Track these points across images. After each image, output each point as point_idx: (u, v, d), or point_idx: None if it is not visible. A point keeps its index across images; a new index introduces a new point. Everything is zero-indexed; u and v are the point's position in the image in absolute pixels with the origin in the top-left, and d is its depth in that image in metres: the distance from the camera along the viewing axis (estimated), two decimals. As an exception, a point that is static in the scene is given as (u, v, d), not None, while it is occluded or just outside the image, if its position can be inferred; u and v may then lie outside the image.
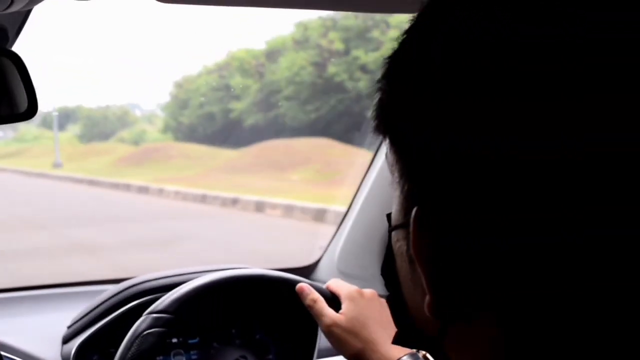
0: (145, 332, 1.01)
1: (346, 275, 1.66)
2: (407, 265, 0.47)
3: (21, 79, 0.78)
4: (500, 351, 0.41)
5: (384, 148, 1.50)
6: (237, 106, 12.85)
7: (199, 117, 14.45)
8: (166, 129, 16.03)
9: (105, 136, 18.05)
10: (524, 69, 0.38)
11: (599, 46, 0.37)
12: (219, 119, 13.76)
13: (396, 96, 0.46)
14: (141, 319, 1.04)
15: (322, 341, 1.37)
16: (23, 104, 0.79)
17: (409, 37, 0.46)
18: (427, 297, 0.44)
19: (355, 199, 1.62)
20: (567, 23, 0.38)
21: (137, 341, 1.00)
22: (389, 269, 0.51)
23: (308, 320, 1.37)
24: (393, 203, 0.49)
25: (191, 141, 14.74)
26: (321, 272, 1.74)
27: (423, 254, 0.43)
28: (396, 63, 0.46)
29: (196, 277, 1.14)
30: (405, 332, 0.52)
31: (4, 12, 0.68)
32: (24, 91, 0.78)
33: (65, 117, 18.80)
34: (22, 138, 18.63)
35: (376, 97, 0.48)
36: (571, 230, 0.37)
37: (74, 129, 19.03)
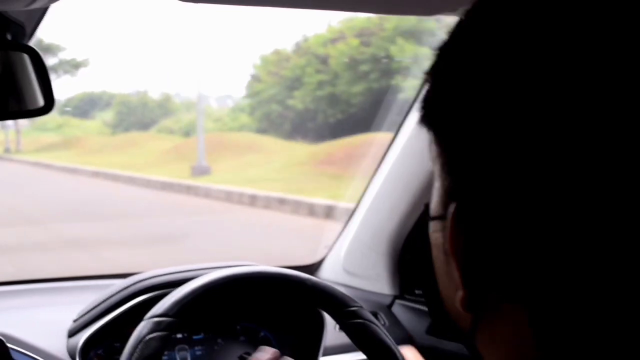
0: (147, 338, 1.00)
1: (352, 275, 1.66)
2: (443, 257, 0.48)
3: (38, 74, 0.78)
4: (530, 345, 0.42)
5: (394, 148, 1.50)
6: (408, 83, 7.54)
7: (318, 100, 10.45)
8: (262, 117, 12.19)
9: (143, 125, 15.83)
10: (541, 70, 0.39)
11: (600, 46, 0.38)
12: (360, 102, 9.60)
13: (443, 90, 0.46)
14: (142, 323, 1.03)
15: (328, 339, 1.38)
16: (40, 99, 0.79)
17: (459, 31, 0.47)
18: (460, 292, 0.45)
19: (363, 199, 1.63)
20: (572, 24, 0.39)
21: (139, 347, 0.99)
22: (425, 258, 0.52)
23: (314, 318, 1.38)
24: (433, 194, 0.50)
25: (301, 135, 10.67)
26: (326, 270, 1.74)
27: (458, 249, 0.44)
28: (445, 56, 0.47)
29: (202, 274, 1.14)
30: (439, 323, 0.53)
31: (26, 8, 0.68)
32: (41, 86, 0.78)
33: (90, 104, 16.85)
34: (43, 127, 16.56)
35: (424, 89, 0.48)
36: (601, 228, 0.38)
37: (102, 117, 16.96)
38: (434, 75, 0.47)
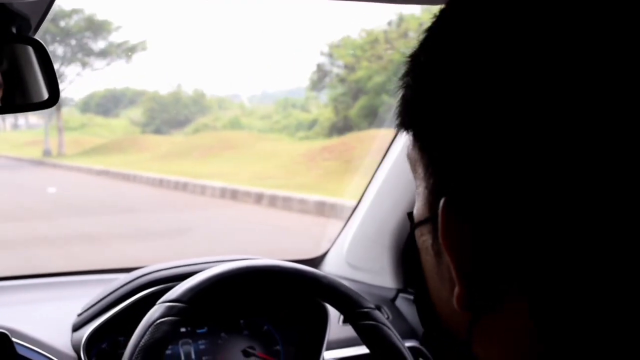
0: (158, 321, 1.01)
1: (355, 268, 1.66)
2: (433, 259, 0.48)
3: (43, 67, 0.78)
4: (532, 338, 0.42)
5: (398, 142, 1.50)
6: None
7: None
8: (362, 111, 9.81)
9: (178, 123, 14.24)
10: (528, 68, 0.40)
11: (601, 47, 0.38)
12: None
13: (421, 92, 0.46)
14: (155, 307, 1.04)
15: (331, 333, 1.38)
16: (45, 92, 0.79)
17: (433, 34, 0.47)
18: (456, 289, 0.44)
19: (366, 193, 1.63)
20: (568, 24, 0.39)
21: (150, 329, 1.00)
22: (414, 266, 0.52)
23: (317, 312, 1.38)
24: (416, 200, 0.50)
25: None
26: (329, 264, 1.74)
27: (452, 243, 0.44)
28: (421, 60, 0.47)
29: (208, 267, 1.14)
30: (432, 330, 0.52)
31: (29, 0, 0.68)
32: (46, 79, 0.79)
33: (113, 101, 15.35)
34: (65, 126, 14.34)
35: (399, 94, 0.49)
36: (591, 217, 0.38)
37: (127, 114, 15.35)
38: (412, 78, 0.47)
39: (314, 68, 12.20)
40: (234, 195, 7.73)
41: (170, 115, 14.33)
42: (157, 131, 14.11)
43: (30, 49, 0.78)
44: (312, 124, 11.81)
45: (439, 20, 0.47)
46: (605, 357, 0.39)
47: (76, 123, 14.73)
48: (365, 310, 1.11)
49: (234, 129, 12.96)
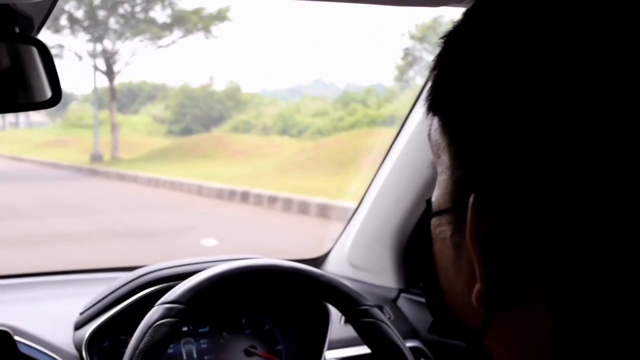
0: (157, 323, 1.01)
1: (357, 268, 1.66)
2: (451, 251, 0.47)
3: (46, 67, 0.79)
4: (548, 336, 0.41)
5: (399, 140, 1.50)
6: None
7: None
8: None
9: (212, 121, 12.44)
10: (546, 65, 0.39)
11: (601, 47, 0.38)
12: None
13: (454, 77, 0.45)
14: (153, 309, 1.04)
15: (333, 332, 1.38)
16: (47, 92, 0.80)
17: (469, 18, 0.46)
18: (477, 286, 0.43)
19: (368, 193, 1.63)
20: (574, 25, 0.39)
21: (149, 331, 1.00)
22: (425, 255, 0.51)
23: (319, 311, 1.38)
24: (436, 187, 0.48)
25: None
26: (331, 264, 1.74)
27: (481, 241, 0.43)
28: (455, 43, 0.46)
29: (208, 267, 1.14)
30: (441, 320, 0.52)
31: (34, 0, 0.69)
32: (49, 78, 0.79)
33: (130, 96, 13.82)
34: (79, 123, 12.98)
35: (432, 76, 0.47)
36: (615, 215, 0.38)
37: (149, 111, 13.70)
38: (443, 62, 0.46)
39: (401, 54, 10.57)
40: None
41: (202, 112, 12.46)
42: (187, 129, 12.45)
43: (34, 49, 0.78)
44: (390, 120, 10.22)
45: (476, 5, 0.46)
46: (621, 356, 0.39)
47: (92, 120, 12.55)
48: (364, 307, 1.11)
49: (287, 127, 11.10)
